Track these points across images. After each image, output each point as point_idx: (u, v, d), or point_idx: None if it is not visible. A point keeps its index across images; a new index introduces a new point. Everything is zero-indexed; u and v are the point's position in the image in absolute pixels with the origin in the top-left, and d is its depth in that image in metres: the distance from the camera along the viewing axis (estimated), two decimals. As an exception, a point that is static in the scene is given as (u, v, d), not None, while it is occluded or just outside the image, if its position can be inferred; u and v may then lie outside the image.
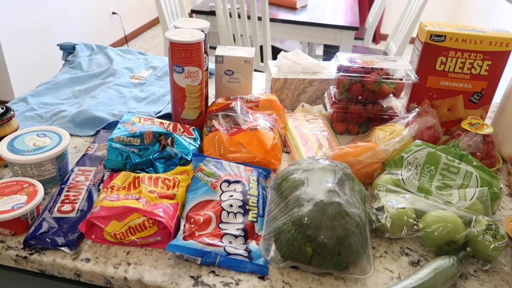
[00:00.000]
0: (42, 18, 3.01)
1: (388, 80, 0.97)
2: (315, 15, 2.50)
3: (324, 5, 2.73)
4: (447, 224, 0.67)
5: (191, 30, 0.90)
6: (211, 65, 1.22)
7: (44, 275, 0.69)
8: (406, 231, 0.69)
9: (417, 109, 0.95)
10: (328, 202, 0.64)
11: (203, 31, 0.92)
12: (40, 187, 0.72)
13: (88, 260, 0.66)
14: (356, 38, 3.05)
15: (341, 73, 0.96)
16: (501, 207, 0.82)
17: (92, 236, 0.69)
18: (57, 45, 1.31)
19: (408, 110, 1.02)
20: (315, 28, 2.42)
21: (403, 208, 0.70)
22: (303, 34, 2.48)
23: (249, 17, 2.34)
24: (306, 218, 0.63)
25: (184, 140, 0.87)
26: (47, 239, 0.67)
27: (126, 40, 4.20)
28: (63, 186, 0.77)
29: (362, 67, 0.97)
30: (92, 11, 3.62)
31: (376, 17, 3.03)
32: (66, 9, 3.25)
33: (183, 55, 0.86)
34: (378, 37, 4.67)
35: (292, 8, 2.65)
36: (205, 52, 0.95)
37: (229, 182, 0.76)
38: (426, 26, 0.96)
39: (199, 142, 0.90)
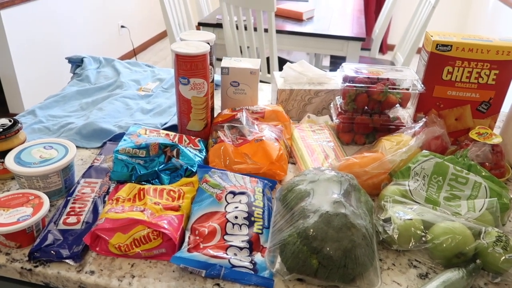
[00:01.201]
0: (51, 32, 3.06)
1: (394, 90, 0.96)
2: (322, 27, 2.51)
3: (330, 17, 2.74)
4: (456, 235, 0.66)
5: (196, 42, 0.90)
6: (217, 77, 1.23)
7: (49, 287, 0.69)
8: (414, 243, 0.68)
9: (424, 119, 0.94)
10: (333, 214, 0.63)
11: (208, 43, 0.92)
12: (46, 199, 0.72)
13: (92, 272, 0.65)
14: (363, 49, 3.05)
15: (347, 84, 0.96)
16: (511, 218, 0.81)
17: (97, 248, 0.69)
18: (66, 58, 1.32)
19: (415, 120, 1.01)
20: (321, 39, 2.43)
21: (411, 219, 0.69)
22: (310, 46, 2.49)
23: (255, 29, 2.35)
24: (311, 230, 0.62)
25: (190, 151, 0.87)
26: (52, 251, 0.67)
27: (134, 53, 4.25)
28: (68, 198, 0.77)
29: (368, 77, 0.96)
30: (101, 25, 3.68)
31: (383, 27, 3.03)
32: (75, 23, 3.31)
33: (188, 67, 0.87)
34: (385, 47, 4.67)
35: (299, 19, 2.66)
36: (211, 64, 0.96)
37: (234, 194, 0.75)
38: (432, 36, 0.95)
39: (204, 154, 0.90)
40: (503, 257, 0.64)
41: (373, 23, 4.24)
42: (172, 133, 0.91)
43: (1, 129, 0.82)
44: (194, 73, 0.87)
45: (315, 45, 2.48)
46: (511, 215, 0.81)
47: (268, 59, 2.50)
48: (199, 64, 0.87)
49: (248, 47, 2.46)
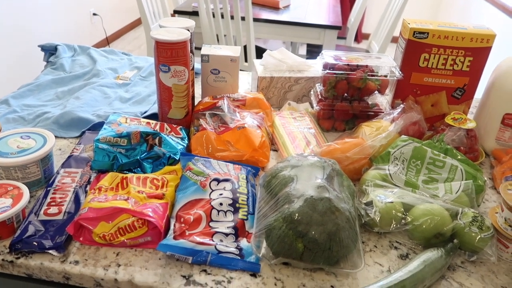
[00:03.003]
0: (21, 19, 2.95)
1: (373, 77, 0.98)
2: (298, 15, 2.52)
3: (307, 5, 2.75)
4: (434, 217, 0.68)
5: (176, 29, 0.89)
6: (197, 65, 1.22)
7: (32, 279, 0.68)
8: (395, 225, 0.70)
9: (402, 105, 0.96)
10: (318, 198, 0.65)
11: (188, 30, 0.91)
12: (25, 190, 0.71)
13: (77, 262, 0.65)
14: (338, 37, 3.07)
15: (327, 71, 0.97)
16: (485, 199, 0.84)
17: (81, 238, 0.68)
18: (39, 46, 1.28)
19: (393, 106, 1.04)
20: (298, 28, 2.43)
21: (392, 202, 0.71)
22: (286, 34, 2.49)
23: (232, 17, 2.34)
24: (297, 214, 0.63)
25: (172, 139, 0.86)
26: (34, 243, 0.65)
27: (107, 41, 4.15)
28: (48, 188, 0.76)
29: (348, 65, 0.98)
30: (73, 12, 3.57)
31: (358, 16, 3.06)
32: (45, 10, 3.20)
33: (169, 54, 0.85)
34: (360, 36, 4.72)
35: (275, 8, 2.66)
36: (191, 51, 0.95)
37: (218, 181, 0.76)
38: (409, 23, 0.97)
39: (186, 142, 0.90)
40: (479, 236, 0.67)
41: (348, 12, 4.26)
42: (153, 122, 0.90)
43: (-25, 119, 0.79)
44: (175, 60, 0.86)
45: (292, 33, 2.48)
46: (485, 197, 0.84)
47: (245, 47, 2.48)
48: (179, 51, 0.86)
49: (225, 35, 2.44)
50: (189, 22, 0.95)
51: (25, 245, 0.65)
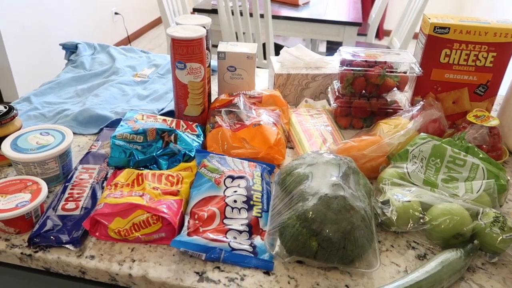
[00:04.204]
0: (43, 19, 3.01)
1: (391, 74, 0.96)
2: (317, 12, 2.50)
3: (326, 2, 2.72)
4: (453, 216, 0.66)
5: (192, 26, 0.89)
6: (214, 62, 1.22)
7: (49, 273, 0.69)
8: (412, 225, 0.69)
9: (421, 102, 0.94)
10: (332, 196, 0.64)
11: (204, 27, 0.91)
12: (44, 185, 0.72)
13: (92, 257, 0.65)
14: (359, 34, 3.03)
15: (344, 67, 0.95)
16: (508, 199, 0.81)
17: (97, 234, 0.69)
18: (60, 44, 1.31)
19: (413, 103, 1.01)
20: (317, 25, 2.41)
21: (409, 201, 0.69)
22: (306, 31, 2.48)
23: (251, 15, 2.33)
24: (310, 212, 0.62)
25: (187, 136, 0.87)
26: (52, 237, 0.66)
27: (129, 40, 4.21)
28: (67, 184, 0.77)
29: (366, 61, 0.96)
30: (94, 12, 3.63)
31: (379, 12, 3.01)
32: (67, 10, 3.26)
33: (185, 51, 0.86)
34: (381, 33, 4.65)
35: (295, 5, 2.64)
36: (207, 49, 0.95)
37: (233, 178, 0.75)
38: (429, 18, 0.95)
39: (202, 139, 0.90)
40: (500, 237, 0.65)
41: (369, 8, 4.20)
42: (169, 119, 0.90)
43: (-3, 116, 0.81)
44: (191, 57, 0.87)
45: (311, 30, 2.46)
46: (508, 197, 0.82)
47: (264, 45, 2.48)
48: (195, 48, 0.86)
49: (244, 33, 2.44)
50: (206, 19, 0.95)
51: (43, 239, 0.66)
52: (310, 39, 3.36)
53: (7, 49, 2.72)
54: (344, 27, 2.39)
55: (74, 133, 0.96)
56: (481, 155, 0.79)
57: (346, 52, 0.99)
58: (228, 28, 2.39)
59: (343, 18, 2.38)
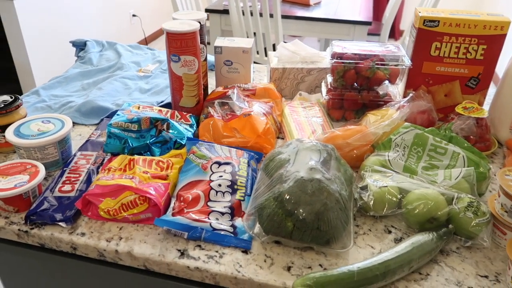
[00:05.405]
0: (63, 21, 3.12)
1: (382, 66, 0.98)
2: (328, 11, 2.51)
3: (338, 1, 2.74)
4: (428, 201, 0.68)
5: (187, 21, 0.93)
6: (213, 57, 1.26)
7: (44, 249, 0.74)
8: (388, 209, 0.71)
9: (411, 94, 0.96)
10: (308, 179, 0.66)
11: (199, 22, 0.95)
12: (42, 168, 0.77)
13: (83, 234, 0.70)
14: (372, 34, 3.03)
15: (335, 60, 0.98)
16: (492, 188, 0.82)
17: (89, 213, 0.73)
18: (70, 42, 1.37)
19: (405, 96, 1.03)
20: (327, 24, 2.43)
21: (386, 186, 0.71)
22: (316, 30, 2.50)
23: (261, 15, 2.37)
24: (286, 194, 0.65)
25: (180, 125, 0.91)
26: (47, 215, 0.71)
27: (146, 42, 4.30)
28: (65, 168, 0.82)
29: (356, 54, 0.98)
30: (112, 14, 3.73)
31: (393, 12, 3.00)
32: (86, 12, 3.37)
33: (179, 44, 0.90)
34: (397, 33, 4.61)
35: (306, 5, 2.66)
36: (202, 43, 0.99)
37: (219, 164, 0.79)
38: (420, 12, 0.96)
39: (195, 128, 0.93)
40: (474, 222, 0.66)
41: (384, 8, 4.18)
42: (165, 109, 0.95)
43: (3, 105, 0.87)
44: (185, 50, 0.91)
45: (321, 29, 2.48)
46: (492, 186, 0.83)
47: (274, 46, 2.51)
48: (189, 41, 0.90)
49: (254, 33, 2.48)
50: (201, 14, 0.99)
51: (39, 217, 0.71)
52: (324, 40, 3.38)
53: (28, 51, 2.83)
54: (354, 26, 2.40)
55: (77, 123, 1.02)
56: (465, 145, 0.80)
57: (337, 46, 1.02)
58: (239, 28, 2.44)
59: (353, 17, 2.39)
